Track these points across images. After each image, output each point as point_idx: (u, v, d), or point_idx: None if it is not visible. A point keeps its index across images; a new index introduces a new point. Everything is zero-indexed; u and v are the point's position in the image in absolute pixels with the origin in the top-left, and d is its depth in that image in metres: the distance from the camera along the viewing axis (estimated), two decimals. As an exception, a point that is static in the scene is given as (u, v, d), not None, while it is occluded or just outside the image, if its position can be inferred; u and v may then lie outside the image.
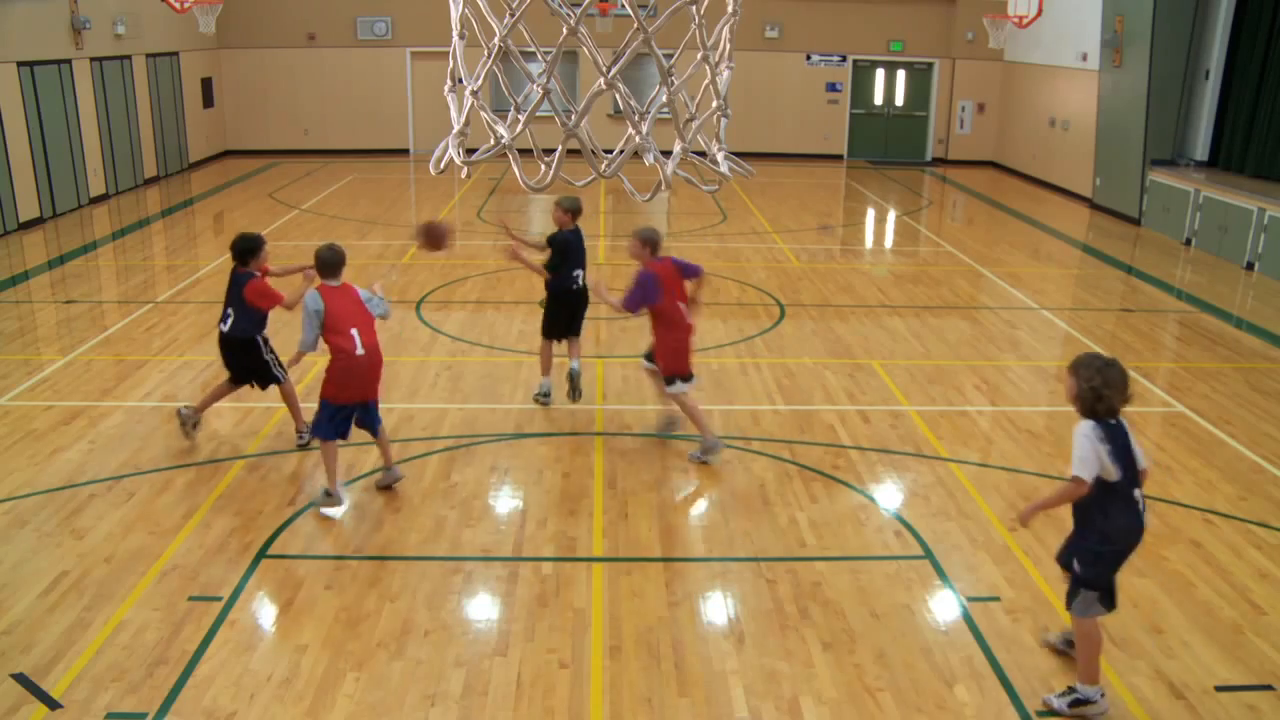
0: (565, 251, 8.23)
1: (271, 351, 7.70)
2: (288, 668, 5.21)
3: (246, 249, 7.43)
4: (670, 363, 7.51)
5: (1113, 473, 4.74)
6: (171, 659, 5.24)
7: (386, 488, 7.13)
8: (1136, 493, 4.83)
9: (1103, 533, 4.84)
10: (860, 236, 17.28)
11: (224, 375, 7.82)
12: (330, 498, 6.80)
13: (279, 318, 7.67)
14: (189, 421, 7.84)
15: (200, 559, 6.23)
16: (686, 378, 7.54)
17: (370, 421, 6.95)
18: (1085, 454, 4.72)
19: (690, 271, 7.59)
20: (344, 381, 6.71)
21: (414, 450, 7.78)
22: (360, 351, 6.65)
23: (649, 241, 7.48)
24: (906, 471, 7.65)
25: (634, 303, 7.39)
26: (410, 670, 5.21)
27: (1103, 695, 4.92)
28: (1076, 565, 4.94)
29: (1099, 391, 4.76)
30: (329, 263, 6.69)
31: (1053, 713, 4.97)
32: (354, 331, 6.64)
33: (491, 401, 8.84)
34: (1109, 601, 4.95)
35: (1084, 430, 4.78)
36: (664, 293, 7.37)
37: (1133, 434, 4.88)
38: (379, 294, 6.92)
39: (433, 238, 7.74)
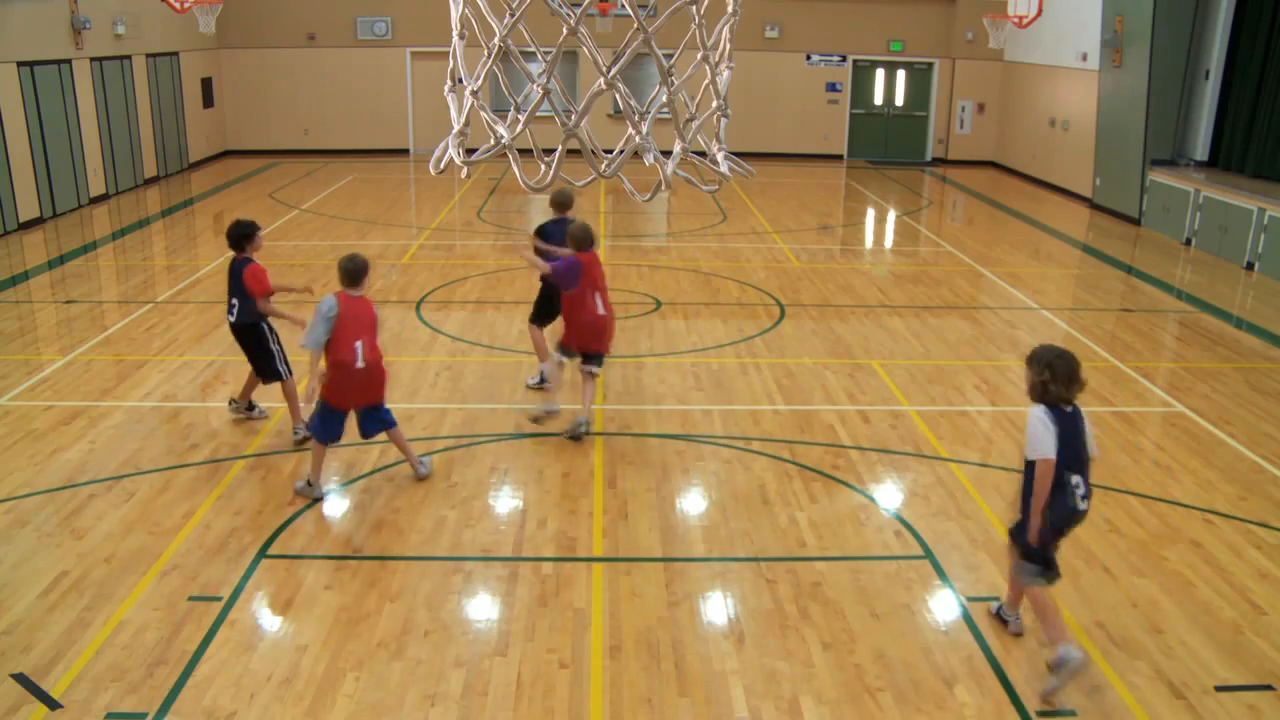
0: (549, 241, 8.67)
1: (278, 343, 7.81)
2: (288, 668, 5.21)
3: (242, 235, 7.78)
4: (571, 339, 8.11)
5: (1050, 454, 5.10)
6: (171, 659, 5.24)
7: (423, 478, 7.33)
8: (1075, 478, 5.13)
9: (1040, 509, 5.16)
10: (860, 236, 17.28)
11: (247, 365, 8.08)
12: (310, 487, 6.99)
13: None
14: (240, 410, 8.27)
15: (200, 559, 6.23)
16: (570, 353, 8.16)
17: (377, 426, 7.05)
18: (1038, 436, 5.11)
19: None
20: (343, 390, 6.83)
21: (414, 450, 7.77)
22: (360, 365, 6.75)
23: (576, 239, 8.00)
24: (906, 471, 7.65)
25: (557, 271, 7.95)
26: (410, 670, 5.21)
27: (1079, 647, 5.06)
28: (1016, 539, 5.34)
29: (1048, 382, 5.17)
30: (350, 272, 6.76)
31: (1053, 705, 5.05)
32: (358, 345, 6.71)
33: (491, 401, 8.84)
34: (1051, 574, 5.27)
35: (1035, 414, 5.18)
36: (583, 280, 7.89)
37: (1087, 423, 5.22)
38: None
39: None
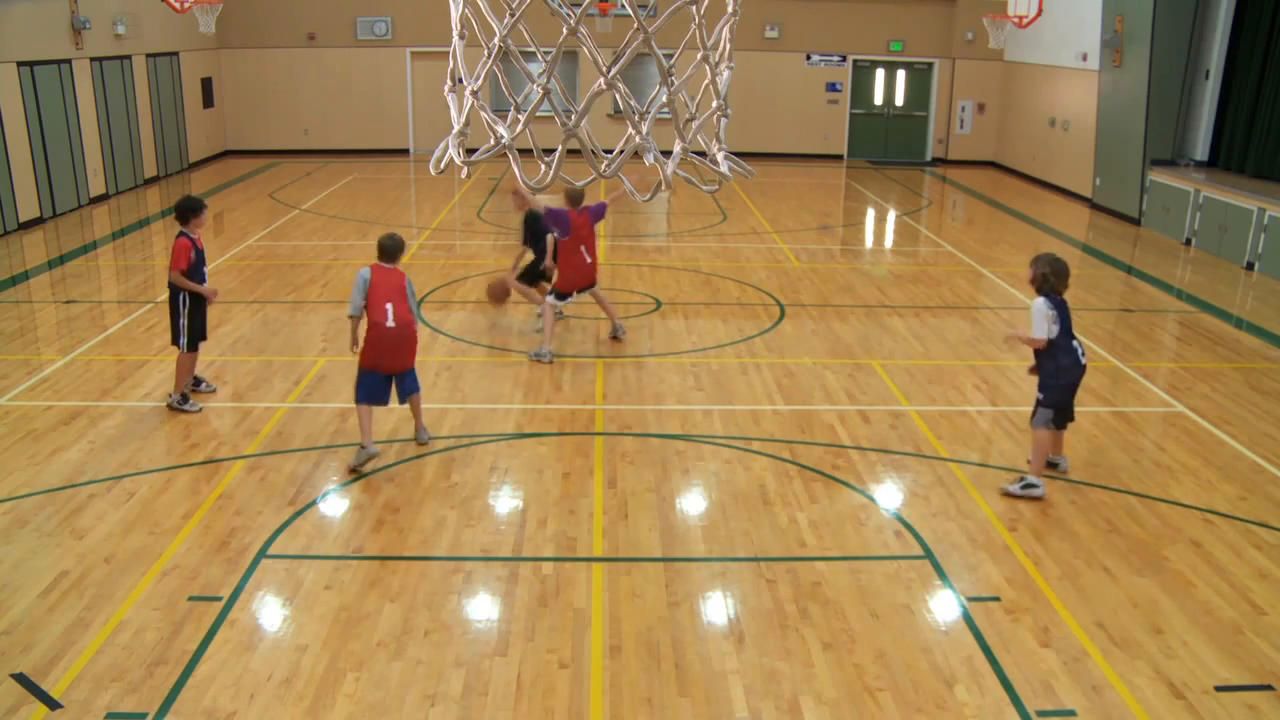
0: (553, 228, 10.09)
1: (189, 318, 8.26)
2: (288, 668, 5.21)
3: (187, 209, 8.32)
4: (562, 282, 9.88)
5: (1054, 332, 6.94)
6: (171, 659, 5.25)
7: (423, 444, 7.85)
8: (1075, 342, 6.99)
9: (1054, 370, 6.99)
10: (860, 236, 17.28)
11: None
12: (364, 450, 7.40)
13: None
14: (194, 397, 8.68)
15: (200, 559, 6.23)
16: (564, 296, 9.93)
17: (407, 389, 7.65)
18: (1040, 322, 6.91)
19: (596, 214, 9.94)
20: (378, 350, 7.40)
21: (414, 450, 7.78)
22: (390, 324, 7.36)
23: (570, 197, 9.88)
24: (906, 471, 7.65)
25: (551, 220, 9.86)
26: (410, 670, 5.21)
27: (1042, 484, 7.11)
28: (1040, 394, 7.05)
29: (1049, 277, 6.93)
30: (387, 248, 7.56)
31: (1009, 496, 7.08)
32: (388, 306, 7.37)
33: (491, 401, 8.84)
34: (1061, 421, 7.16)
35: (1038, 305, 6.94)
36: (572, 232, 9.70)
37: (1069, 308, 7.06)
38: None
39: (497, 296, 10.30)
